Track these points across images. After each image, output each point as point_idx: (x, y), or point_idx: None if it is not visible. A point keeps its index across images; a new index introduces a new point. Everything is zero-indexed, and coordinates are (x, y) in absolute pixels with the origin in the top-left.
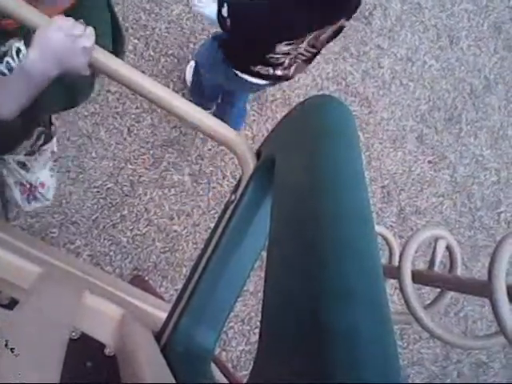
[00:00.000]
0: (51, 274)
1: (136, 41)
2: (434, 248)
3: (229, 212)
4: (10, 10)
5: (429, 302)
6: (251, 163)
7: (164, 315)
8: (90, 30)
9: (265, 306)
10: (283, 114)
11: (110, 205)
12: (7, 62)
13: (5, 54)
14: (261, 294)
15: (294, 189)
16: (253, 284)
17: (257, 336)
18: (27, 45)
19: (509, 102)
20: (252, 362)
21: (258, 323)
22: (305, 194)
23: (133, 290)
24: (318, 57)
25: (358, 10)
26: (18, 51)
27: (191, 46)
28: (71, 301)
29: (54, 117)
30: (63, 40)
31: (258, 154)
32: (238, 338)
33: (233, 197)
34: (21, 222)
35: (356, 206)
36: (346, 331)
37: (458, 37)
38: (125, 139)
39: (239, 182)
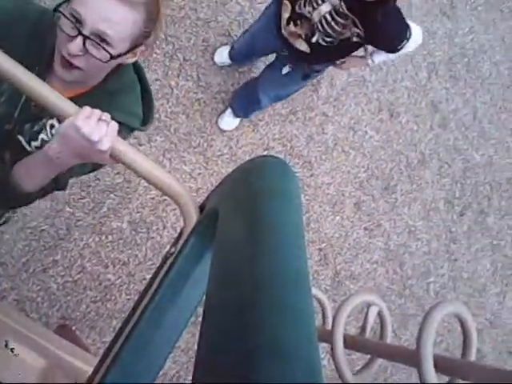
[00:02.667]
0: None
1: None
2: (366, 314)
3: (167, 264)
4: (42, 99)
5: (359, 367)
6: (194, 216)
7: (89, 369)
8: (112, 127)
9: (197, 363)
10: (228, 169)
11: (42, 248)
12: (42, 139)
13: (39, 132)
14: (192, 352)
15: (234, 248)
16: (184, 341)
17: None
18: (60, 121)
19: (441, 177)
20: None
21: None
22: (243, 254)
23: (58, 340)
24: (266, 117)
25: None
26: (52, 127)
27: None
28: None
29: None
30: (82, 143)
31: (202, 208)
32: None
33: (172, 249)
34: None
35: (294, 268)
36: None
37: (397, 111)
38: None
39: (180, 234)
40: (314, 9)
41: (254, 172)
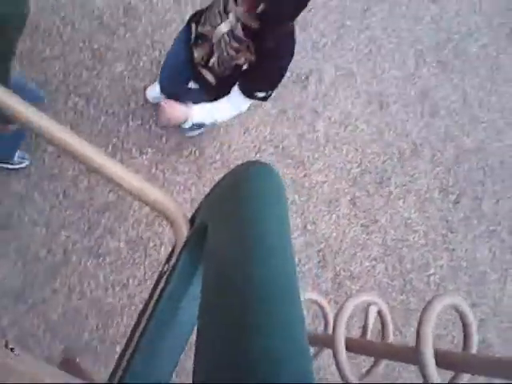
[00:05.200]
0: None
1: (77, 98)
2: (366, 315)
3: (162, 282)
4: None
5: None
6: (184, 232)
7: None
8: None
9: (196, 366)
10: (221, 176)
11: (41, 277)
12: None
13: None
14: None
15: (221, 258)
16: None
17: None
18: None
19: (434, 166)
20: None
21: None
22: (231, 264)
23: (63, 376)
24: (256, 119)
25: (295, 74)
26: None
27: (132, 104)
28: None
29: None
30: None
31: (192, 221)
32: None
33: (166, 267)
34: None
35: (282, 274)
36: None
37: (387, 102)
38: (60, 203)
39: (173, 251)
40: (213, 28)
41: (237, 180)
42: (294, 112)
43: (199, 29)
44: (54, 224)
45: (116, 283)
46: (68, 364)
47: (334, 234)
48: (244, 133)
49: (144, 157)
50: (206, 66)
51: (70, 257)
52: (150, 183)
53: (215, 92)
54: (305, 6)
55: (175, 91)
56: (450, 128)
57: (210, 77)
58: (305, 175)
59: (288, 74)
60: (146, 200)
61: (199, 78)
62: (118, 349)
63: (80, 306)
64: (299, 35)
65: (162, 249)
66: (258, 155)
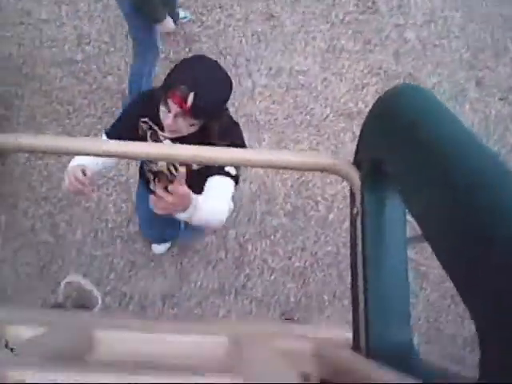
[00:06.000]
0: (239, 341)
1: None
2: None
3: (359, 223)
4: None
5: None
6: (356, 175)
7: (340, 334)
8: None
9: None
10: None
11: (232, 268)
12: None
13: None
14: None
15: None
16: None
17: None
18: None
19: None
20: None
21: None
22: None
23: (302, 327)
24: (346, 63)
25: (361, 4)
26: None
27: None
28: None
29: None
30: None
31: (358, 165)
32: None
33: (355, 210)
34: None
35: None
36: None
37: None
38: None
39: (352, 195)
40: (156, 164)
41: (395, 105)
42: (378, 37)
43: (150, 169)
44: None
45: (295, 250)
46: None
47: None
48: (340, 80)
49: (263, 144)
50: None
51: (246, 248)
52: (304, 153)
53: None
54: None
55: (165, 235)
56: None
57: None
58: (419, 84)
59: (353, 8)
60: (312, 167)
61: None
62: (326, 297)
63: (275, 279)
64: None
65: (320, 206)
66: (364, 90)
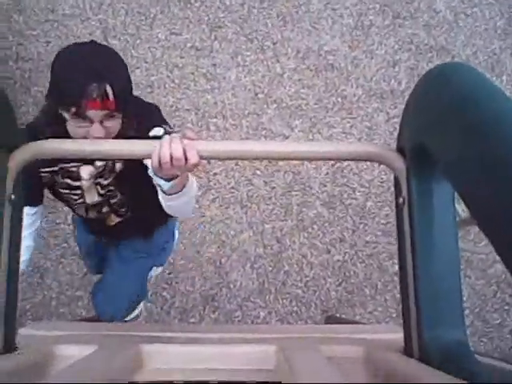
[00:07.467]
0: (286, 347)
1: None
2: None
3: (405, 213)
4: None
5: None
6: (400, 161)
7: (390, 336)
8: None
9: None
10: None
11: (270, 268)
12: None
13: None
14: None
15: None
16: None
17: None
18: None
19: None
20: None
21: None
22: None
23: (349, 328)
24: (376, 38)
25: None
26: None
27: None
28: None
29: None
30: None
31: (401, 151)
32: None
33: (400, 199)
34: None
35: None
36: None
37: None
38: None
39: (396, 182)
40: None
41: (443, 82)
42: (407, 9)
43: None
44: (256, 223)
45: (334, 241)
46: (334, 318)
47: None
48: (371, 58)
49: (295, 130)
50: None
51: (284, 243)
52: (345, 144)
53: (147, 217)
54: None
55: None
56: None
57: (122, 217)
58: (453, 57)
59: None
60: (354, 157)
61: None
62: (368, 291)
63: (314, 274)
64: None
65: (357, 193)
66: (396, 67)
